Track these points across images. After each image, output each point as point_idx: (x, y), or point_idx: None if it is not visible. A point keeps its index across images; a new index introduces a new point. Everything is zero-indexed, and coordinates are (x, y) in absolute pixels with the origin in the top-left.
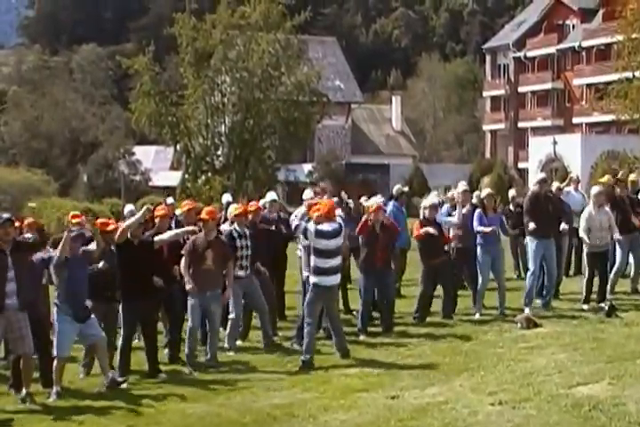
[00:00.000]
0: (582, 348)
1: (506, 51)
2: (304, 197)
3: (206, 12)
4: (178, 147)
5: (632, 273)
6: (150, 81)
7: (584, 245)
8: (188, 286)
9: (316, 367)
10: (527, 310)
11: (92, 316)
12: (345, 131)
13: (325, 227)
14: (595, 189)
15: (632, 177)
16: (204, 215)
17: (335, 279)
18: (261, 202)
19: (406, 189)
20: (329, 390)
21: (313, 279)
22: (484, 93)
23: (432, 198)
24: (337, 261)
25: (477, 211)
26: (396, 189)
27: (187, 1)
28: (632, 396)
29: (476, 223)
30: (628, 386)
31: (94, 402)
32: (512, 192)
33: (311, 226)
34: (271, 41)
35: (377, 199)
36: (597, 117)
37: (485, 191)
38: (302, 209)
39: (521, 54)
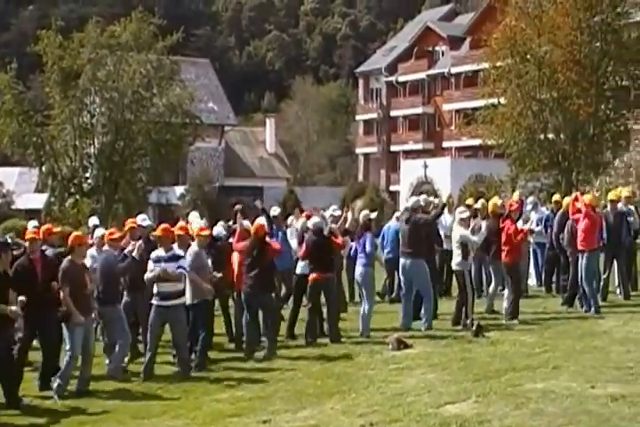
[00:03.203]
0: (450, 367)
1: (378, 75)
2: (190, 218)
3: (74, 31)
4: (43, 168)
5: (491, 293)
6: (13, 100)
7: (455, 265)
8: (76, 319)
9: (186, 393)
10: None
11: None
12: (218, 153)
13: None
14: (460, 212)
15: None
16: (75, 241)
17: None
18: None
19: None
20: (199, 416)
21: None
22: (357, 117)
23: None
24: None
25: (366, 233)
26: (272, 209)
27: (52, 18)
28: (496, 413)
29: (369, 247)
30: (492, 403)
31: None
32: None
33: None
34: (142, 61)
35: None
36: (466, 142)
37: (364, 213)
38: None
39: (393, 79)
